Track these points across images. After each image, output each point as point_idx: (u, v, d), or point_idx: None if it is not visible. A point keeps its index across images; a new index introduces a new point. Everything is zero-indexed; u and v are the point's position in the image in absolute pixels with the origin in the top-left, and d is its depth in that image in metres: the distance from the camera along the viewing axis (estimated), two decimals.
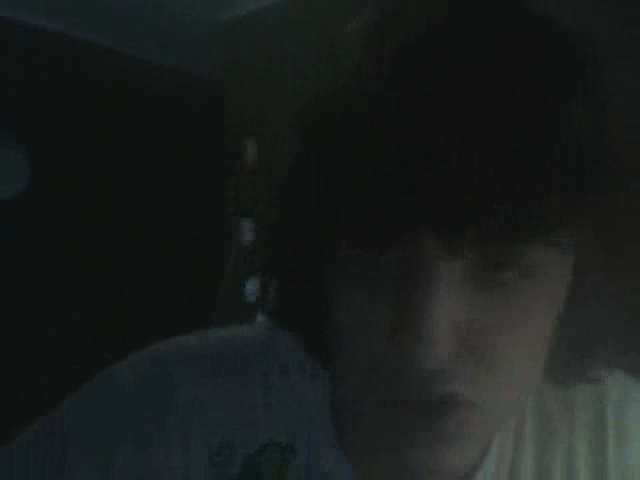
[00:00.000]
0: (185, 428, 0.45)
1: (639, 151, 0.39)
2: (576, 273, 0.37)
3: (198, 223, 2.35)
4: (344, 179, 0.34)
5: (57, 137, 2.16)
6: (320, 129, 0.36)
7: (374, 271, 0.36)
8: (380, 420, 0.37)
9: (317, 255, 0.39)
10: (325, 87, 0.37)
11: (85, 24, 2.15)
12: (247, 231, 2.07)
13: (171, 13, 2.17)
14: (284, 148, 0.39)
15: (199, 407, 0.46)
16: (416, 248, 0.34)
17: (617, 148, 0.36)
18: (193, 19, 2.22)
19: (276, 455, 0.45)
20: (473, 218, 0.32)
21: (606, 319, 0.39)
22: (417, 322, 0.33)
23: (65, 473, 0.46)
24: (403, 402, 0.35)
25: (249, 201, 2.05)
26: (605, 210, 0.36)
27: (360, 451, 0.45)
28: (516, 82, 0.33)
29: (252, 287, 1.99)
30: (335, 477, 0.45)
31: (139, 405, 0.46)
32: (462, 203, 0.31)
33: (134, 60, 2.31)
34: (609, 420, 0.47)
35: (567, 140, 0.33)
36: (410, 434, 0.36)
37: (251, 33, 2.18)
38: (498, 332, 0.35)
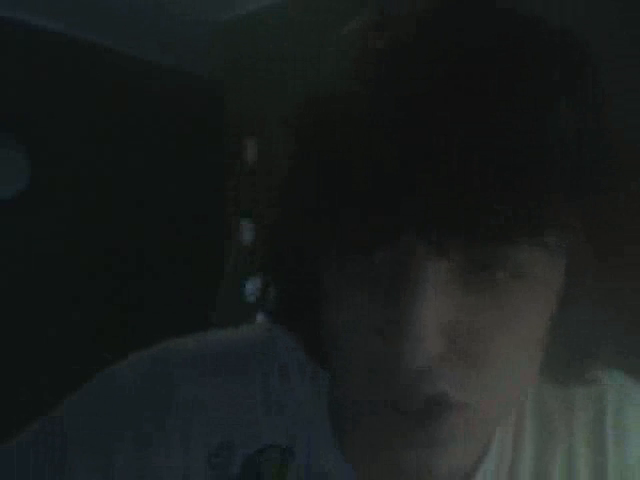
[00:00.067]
0: (185, 428, 0.45)
1: (637, 152, 0.39)
2: (569, 275, 0.37)
3: (198, 223, 2.35)
4: (342, 179, 0.34)
5: (57, 137, 2.16)
6: (320, 129, 0.36)
7: (367, 271, 0.36)
8: (375, 421, 0.37)
9: (315, 255, 0.39)
10: (324, 87, 0.37)
11: (85, 24, 2.15)
12: (247, 231, 2.07)
13: (171, 13, 2.16)
14: (284, 148, 0.39)
15: (199, 407, 0.46)
16: (404, 249, 0.34)
17: (613, 149, 0.36)
18: (193, 19, 2.22)
19: (276, 455, 0.45)
20: (456, 220, 0.32)
21: (604, 321, 0.39)
22: (404, 321, 0.33)
23: (65, 473, 0.46)
24: (394, 403, 0.35)
25: (249, 201, 2.05)
26: (596, 213, 0.36)
27: (359, 451, 0.45)
28: (509, 82, 0.33)
29: (252, 287, 1.99)
30: (334, 477, 0.45)
31: (139, 405, 0.46)
32: (446, 205, 0.32)
33: (134, 60, 2.31)
34: (608, 420, 0.47)
35: (552, 142, 0.33)
36: (403, 437, 0.36)
37: (251, 33, 2.18)
38: (488, 333, 0.35)
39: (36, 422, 0.49)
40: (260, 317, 1.67)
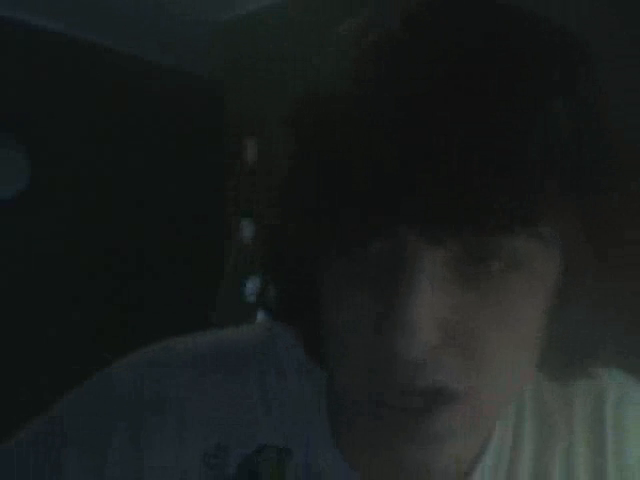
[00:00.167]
0: (181, 428, 0.45)
1: (637, 152, 0.39)
2: (568, 274, 0.37)
3: (198, 223, 2.35)
4: (342, 179, 0.34)
5: (57, 137, 2.16)
6: (320, 129, 0.36)
7: (363, 267, 0.36)
8: (374, 419, 0.37)
9: (313, 254, 0.39)
10: (323, 87, 0.37)
11: (85, 24, 2.15)
12: (247, 231, 2.07)
13: (171, 13, 2.16)
14: (284, 148, 0.39)
15: (196, 407, 0.46)
16: (400, 240, 0.34)
17: (613, 149, 0.36)
18: (193, 19, 2.22)
19: (273, 455, 0.45)
20: (452, 212, 0.32)
21: (604, 321, 0.39)
22: (399, 312, 0.33)
23: (62, 473, 0.46)
24: (392, 400, 0.35)
25: (249, 201, 2.05)
26: (596, 212, 0.36)
27: (357, 451, 0.45)
28: (507, 82, 0.33)
29: (252, 287, 1.99)
30: (332, 477, 0.45)
31: (135, 405, 0.46)
32: (445, 201, 0.32)
33: (134, 60, 2.31)
34: (608, 420, 0.47)
35: (548, 138, 0.33)
36: (402, 433, 0.36)
37: (251, 33, 2.18)
38: (485, 325, 0.35)
39: (34, 422, 0.49)
40: (260, 316, 1.67)
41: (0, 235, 2.04)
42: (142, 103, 2.31)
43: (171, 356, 0.48)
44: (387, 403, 0.36)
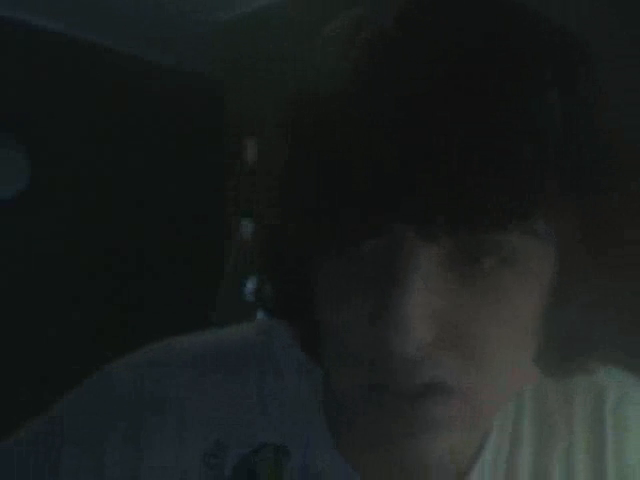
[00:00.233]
0: (180, 427, 0.45)
1: (637, 152, 0.39)
2: (562, 271, 0.37)
3: (198, 223, 2.35)
4: (342, 179, 0.34)
5: (57, 137, 2.16)
6: (319, 129, 0.36)
7: (357, 263, 0.36)
8: (366, 408, 0.37)
9: (310, 253, 0.39)
10: (322, 86, 0.37)
11: (85, 24, 2.15)
12: (247, 230, 2.07)
13: (171, 13, 2.16)
14: (281, 147, 0.39)
15: (195, 407, 0.46)
16: (395, 237, 0.34)
17: (611, 149, 0.36)
18: (193, 19, 2.22)
19: (271, 455, 0.45)
20: (446, 209, 0.32)
21: (602, 320, 0.39)
22: (393, 308, 0.33)
23: (62, 472, 0.46)
24: (385, 387, 0.36)
25: (249, 201, 2.05)
26: (593, 212, 0.36)
27: (355, 450, 0.45)
28: (506, 82, 0.33)
29: (252, 286, 1.99)
30: (330, 477, 0.45)
31: (134, 404, 0.46)
32: (438, 195, 0.32)
33: (134, 60, 2.31)
34: (608, 419, 0.47)
35: (541, 135, 0.33)
36: (395, 421, 0.36)
37: (251, 33, 2.18)
38: (480, 320, 0.35)
39: (33, 421, 0.49)
40: (260, 316, 1.67)
41: (0, 235, 2.04)
42: (142, 103, 2.31)
43: (171, 356, 0.48)
44: (381, 388, 0.36)
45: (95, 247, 2.20)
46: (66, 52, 2.19)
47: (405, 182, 0.32)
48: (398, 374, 0.35)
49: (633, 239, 0.38)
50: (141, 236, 2.29)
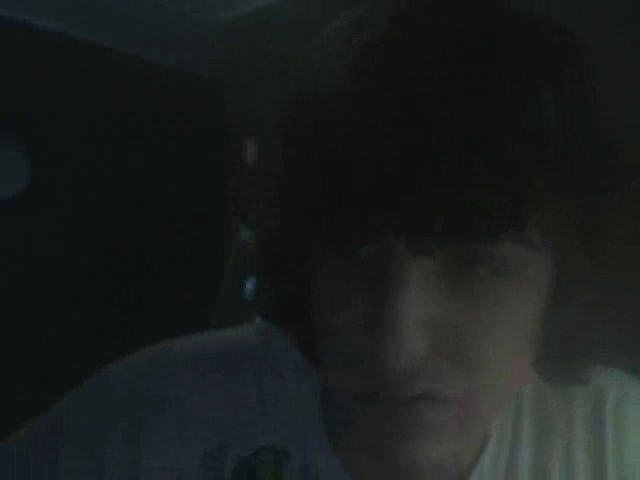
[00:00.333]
0: (180, 429, 0.45)
1: (637, 152, 0.39)
2: (562, 275, 0.37)
3: (198, 223, 2.35)
4: (342, 179, 0.34)
5: (57, 137, 2.16)
6: (319, 129, 0.36)
7: (353, 267, 0.36)
8: (358, 415, 0.37)
9: (306, 254, 0.39)
10: (322, 87, 0.37)
11: (85, 24, 2.15)
12: (247, 231, 2.07)
13: (171, 13, 2.17)
14: (280, 147, 0.39)
15: (194, 408, 0.46)
16: (387, 246, 0.34)
17: (607, 150, 0.36)
18: (193, 19, 2.22)
19: (271, 457, 0.45)
20: (436, 220, 0.32)
21: (602, 321, 0.39)
22: (386, 320, 0.33)
23: (61, 473, 0.46)
24: (376, 395, 0.35)
25: (249, 202, 2.05)
26: (589, 213, 0.35)
27: (352, 451, 0.45)
28: (505, 82, 0.33)
29: (252, 287, 1.99)
30: (328, 478, 0.45)
31: (135, 405, 0.46)
32: (433, 191, 0.32)
33: (134, 60, 2.31)
34: (608, 420, 0.47)
35: (534, 136, 0.33)
36: (388, 425, 0.36)
37: (251, 33, 2.18)
38: (474, 330, 0.35)
39: (33, 421, 0.49)
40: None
41: (0, 235, 2.04)
42: (142, 103, 2.32)
43: (170, 356, 0.48)
44: (374, 395, 0.36)
45: (95, 247, 2.20)
46: (66, 52, 2.19)
47: (405, 182, 0.32)
48: (392, 385, 0.35)
49: (633, 239, 0.38)
50: (141, 236, 2.30)
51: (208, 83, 2.41)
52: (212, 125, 2.34)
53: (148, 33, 2.22)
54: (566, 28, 0.37)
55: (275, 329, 0.47)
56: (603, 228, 0.36)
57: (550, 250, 0.36)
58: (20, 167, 2.09)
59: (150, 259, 2.32)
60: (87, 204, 2.18)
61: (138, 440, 0.45)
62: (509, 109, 0.33)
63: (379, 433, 0.37)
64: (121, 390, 0.47)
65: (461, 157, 0.32)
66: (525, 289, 0.36)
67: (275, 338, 0.48)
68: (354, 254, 0.36)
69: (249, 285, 2.00)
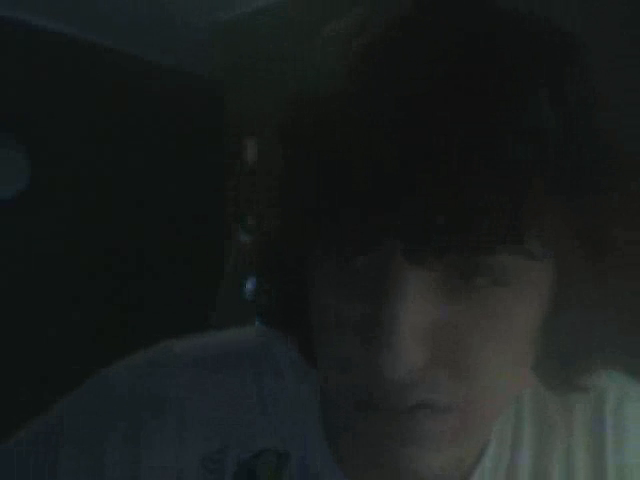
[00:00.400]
0: (180, 429, 0.45)
1: (636, 153, 0.38)
2: (560, 278, 0.37)
3: (198, 223, 2.35)
4: (342, 179, 0.34)
5: (57, 137, 2.16)
6: (320, 129, 0.36)
7: (351, 275, 0.36)
8: (357, 422, 0.37)
9: (307, 252, 0.39)
10: (322, 87, 0.37)
11: (85, 24, 2.15)
12: (245, 235, 2.07)
13: (171, 13, 2.16)
14: (280, 148, 0.39)
15: (194, 409, 0.46)
16: (385, 256, 0.34)
17: (605, 151, 0.36)
18: (193, 19, 2.22)
19: (272, 459, 0.45)
20: (434, 231, 0.31)
21: (602, 321, 0.39)
22: (384, 331, 0.33)
23: (61, 473, 0.46)
24: (372, 406, 0.35)
25: (249, 202, 2.05)
26: (591, 214, 0.35)
27: (350, 452, 0.45)
28: (504, 83, 0.33)
29: (252, 287, 1.99)
30: (327, 478, 0.45)
31: (135, 405, 0.46)
32: (433, 191, 0.31)
33: (134, 60, 2.31)
34: (608, 420, 0.47)
35: (531, 137, 0.33)
36: (387, 436, 0.36)
37: (251, 33, 2.18)
38: (473, 340, 0.34)
39: (33, 421, 0.49)
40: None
41: (0, 235, 2.04)
42: (142, 103, 2.31)
43: (170, 357, 0.48)
44: (371, 405, 0.35)
45: (95, 247, 2.20)
46: (66, 52, 2.19)
47: (405, 182, 0.32)
48: (390, 396, 0.34)
49: (633, 240, 0.38)
50: (141, 236, 2.29)
51: (208, 83, 2.41)
52: (212, 125, 2.33)
53: (148, 33, 2.22)
54: (564, 28, 0.37)
55: (275, 330, 0.47)
56: (603, 229, 0.36)
57: (550, 258, 0.36)
58: (20, 167, 2.09)
59: (150, 259, 2.32)
60: (87, 204, 2.18)
61: (138, 440, 0.45)
62: (509, 109, 0.32)
63: (379, 441, 0.37)
64: (121, 390, 0.47)
65: (461, 157, 0.31)
66: (525, 296, 0.35)
67: (275, 339, 0.48)
68: (353, 263, 0.35)
69: (249, 285, 2.00)
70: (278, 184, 0.40)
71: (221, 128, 2.29)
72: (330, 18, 0.40)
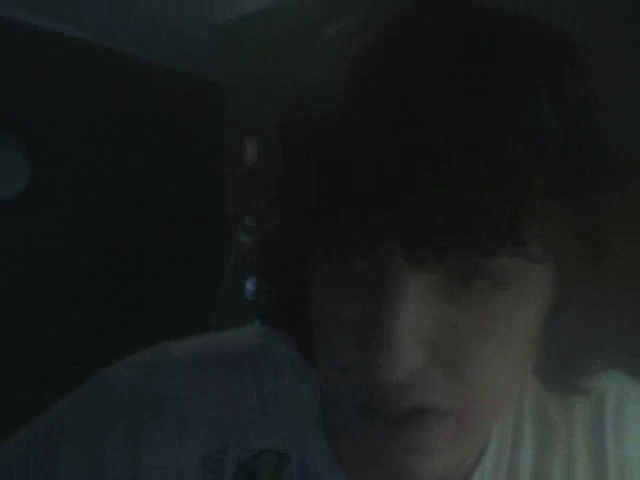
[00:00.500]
0: (180, 429, 0.45)
1: (636, 153, 0.39)
2: (560, 282, 0.37)
3: (198, 223, 2.35)
4: (342, 179, 0.34)
5: (57, 137, 2.16)
6: (320, 130, 0.36)
7: (350, 274, 0.36)
8: (357, 423, 0.37)
9: (307, 252, 0.39)
10: (322, 88, 0.37)
11: (85, 24, 2.15)
12: (245, 236, 2.07)
13: (171, 14, 2.16)
14: (280, 148, 0.39)
15: (194, 409, 0.46)
16: (384, 259, 0.34)
17: (605, 152, 0.36)
18: (193, 19, 2.22)
19: (272, 459, 0.45)
20: (433, 233, 0.31)
21: (602, 321, 0.39)
22: (383, 334, 0.33)
23: (61, 473, 0.46)
24: (372, 409, 0.35)
25: (248, 202, 2.05)
26: (590, 214, 0.35)
27: (350, 452, 0.45)
28: (503, 83, 0.33)
29: (252, 287, 1.99)
30: (327, 478, 0.45)
31: (135, 405, 0.46)
32: (423, 204, 0.31)
33: (134, 60, 2.31)
34: (608, 420, 0.47)
35: (532, 139, 0.33)
36: (387, 439, 0.36)
37: (251, 34, 2.18)
38: (472, 342, 0.34)
39: (33, 422, 0.49)
40: None
41: (0, 235, 2.04)
42: (142, 103, 2.31)
43: (170, 357, 0.48)
44: (369, 409, 0.35)
45: (95, 247, 2.19)
46: (66, 52, 2.19)
47: (405, 182, 0.32)
48: (389, 399, 0.34)
49: (633, 240, 0.38)
50: (141, 236, 2.29)
51: (208, 84, 2.41)
52: (212, 125, 2.33)
53: (148, 34, 2.22)
54: (563, 29, 0.37)
55: (275, 330, 0.47)
56: (603, 229, 0.36)
57: (550, 261, 0.36)
58: (20, 167, 2.09)
59: (150, 259, 2.32)
60: (87, 204, 2.18)
61: (138, 440, 0.45)
62: (509, 109, 0.32)
63: (379, 444, 0.37)
64: (121, 390, 0.47)
65: (461, 157, 0.31)
66: (525, 298, 0.35)
67: (275, 339, 0.48)
68: (352, 265, 0.35)
69: (249, 285, 2.00)
70: (278, 184, 0.40)
71: (221, 128, 2.29)
72: (330, 19, 0.40)
